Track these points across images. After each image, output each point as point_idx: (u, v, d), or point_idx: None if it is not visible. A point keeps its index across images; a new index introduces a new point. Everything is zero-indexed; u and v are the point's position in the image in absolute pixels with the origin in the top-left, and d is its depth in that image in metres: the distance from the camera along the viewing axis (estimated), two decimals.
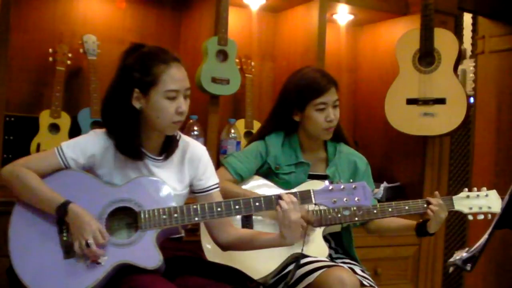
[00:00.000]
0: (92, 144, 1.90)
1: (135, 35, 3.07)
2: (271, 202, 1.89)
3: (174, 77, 1.85)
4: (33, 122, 2.71)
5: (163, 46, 1.94)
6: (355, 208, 1.95)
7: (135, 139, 1.88)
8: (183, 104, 1.87)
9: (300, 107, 2.26)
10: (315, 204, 1.89)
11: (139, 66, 1.84)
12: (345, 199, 1.87)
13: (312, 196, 1.89)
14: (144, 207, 1.84)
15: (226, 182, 2.22)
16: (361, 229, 2.43)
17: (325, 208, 2.14)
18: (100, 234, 1.76)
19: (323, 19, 3.18)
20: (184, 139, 2.02)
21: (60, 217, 1.79)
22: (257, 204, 1.89)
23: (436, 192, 2.25)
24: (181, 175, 1.99)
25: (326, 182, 1.91)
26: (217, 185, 2.04)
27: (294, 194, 1.89)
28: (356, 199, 1.88)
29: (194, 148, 2.02)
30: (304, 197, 1.89)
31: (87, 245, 1.74)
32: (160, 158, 1.96)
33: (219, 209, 1.88)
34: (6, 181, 1.86)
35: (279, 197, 1.88)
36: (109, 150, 1.90)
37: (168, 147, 1.96)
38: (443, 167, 3.45)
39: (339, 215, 2.19)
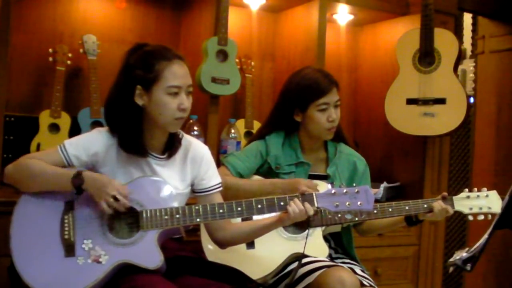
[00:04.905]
0: (95, 142, 1.90)
1: (135, 35, 3.07)
2: (274, 205, 1.89)
3: (176, 73, 1.86)
4: (33, 122, 2.71)
5: None
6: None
7: (138, 137, 1.89)
8: (185, 101, 1.88)
9: (302, 108, 2.26)
10: (317, 207, 1.89)
11: (142, 64, 1.85)
12: (347, 203, 1.87)
13: (315, 199, 1.89)
14: (146, 207, 1.83)
15: (227, 177, 2.22)
16: None
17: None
18: (122, 188, 1.80)
19: (323, 19, 3.18)
20: (187, 138, 2.03)
21: (78, 185, 1.79)
22: (259, 206, 1.89)
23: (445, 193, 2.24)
24: (183, 174, 1.99)
25: (329, 186, 1.90)
26: (219, 185, 2.05)
27: (296, 197, 1.89)
28: (358, 203, 1.87)
29: (196, 148, 2.02)
30: (307, 200, 1.88)
31: (115, 199, 1.76)
32: (163, 156, 1.96)
33: (221, 210, 1.88)
34: (12, 175, 1.85)
35: (283, 201, 1.88)
36: (112, 148, 1.90)
37: (171, 146, 1.96)
38: (443, 167, 3.45)
39: (339, 215, 2.19)
